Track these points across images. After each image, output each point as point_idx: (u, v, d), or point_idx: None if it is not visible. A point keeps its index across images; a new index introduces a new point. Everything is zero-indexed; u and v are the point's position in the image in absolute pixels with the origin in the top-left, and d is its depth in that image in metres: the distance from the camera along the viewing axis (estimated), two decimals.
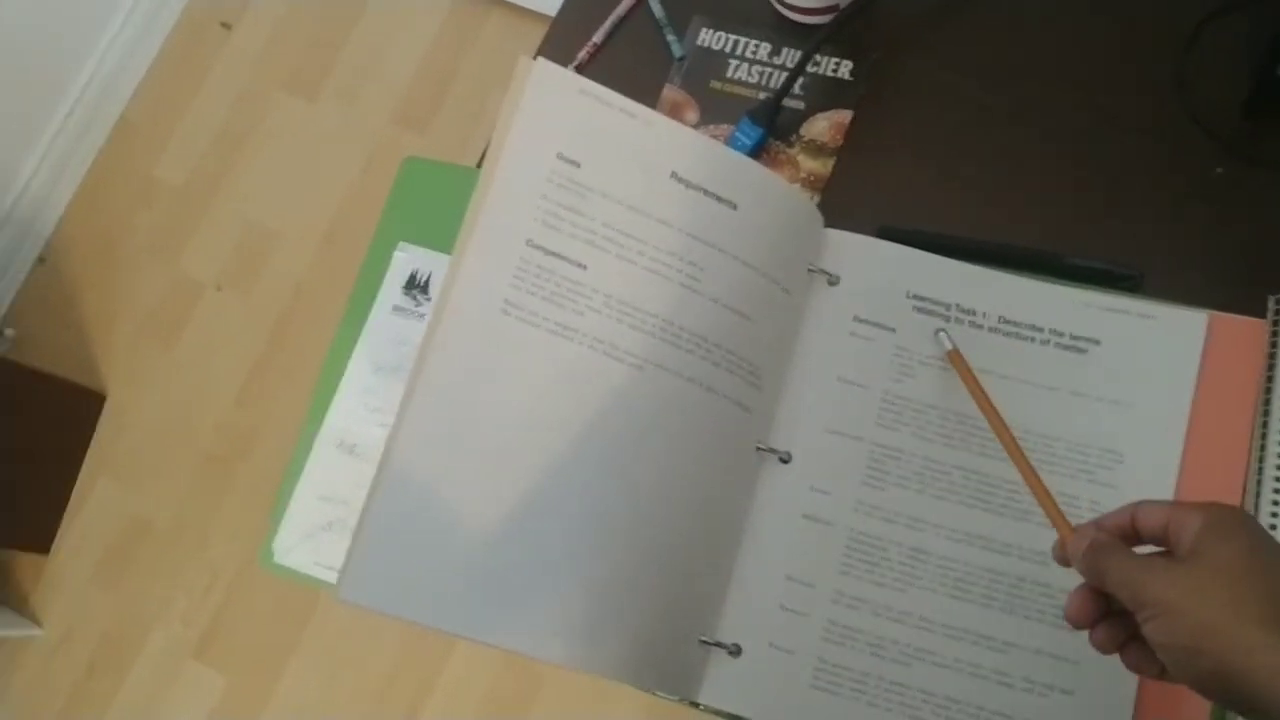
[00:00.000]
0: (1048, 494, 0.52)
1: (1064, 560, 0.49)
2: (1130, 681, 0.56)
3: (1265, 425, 0.58)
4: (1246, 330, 0.61)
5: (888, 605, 0.59)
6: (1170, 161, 0.66)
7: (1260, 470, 0.58)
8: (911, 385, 0.62)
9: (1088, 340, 0.62)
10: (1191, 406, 0.59)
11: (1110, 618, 0.47)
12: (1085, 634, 0.57)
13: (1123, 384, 0.61)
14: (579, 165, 0.58)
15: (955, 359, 0.60)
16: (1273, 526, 0.56)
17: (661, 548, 0.57)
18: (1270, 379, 0.59)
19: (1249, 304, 0.61)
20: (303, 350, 1.67)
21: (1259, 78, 0.63)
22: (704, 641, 0.58)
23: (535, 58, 0.59)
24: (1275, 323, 0.60)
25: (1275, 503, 0.57)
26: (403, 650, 1.54)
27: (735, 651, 0.59)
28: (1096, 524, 0.48)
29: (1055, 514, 0.51)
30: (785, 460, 0.61)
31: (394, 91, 1.77)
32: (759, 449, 0.61)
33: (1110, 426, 0.60)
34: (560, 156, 0.58)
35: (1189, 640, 0.41)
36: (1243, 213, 0.64)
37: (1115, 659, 0.56)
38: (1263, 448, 0.58)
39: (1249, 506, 0.58)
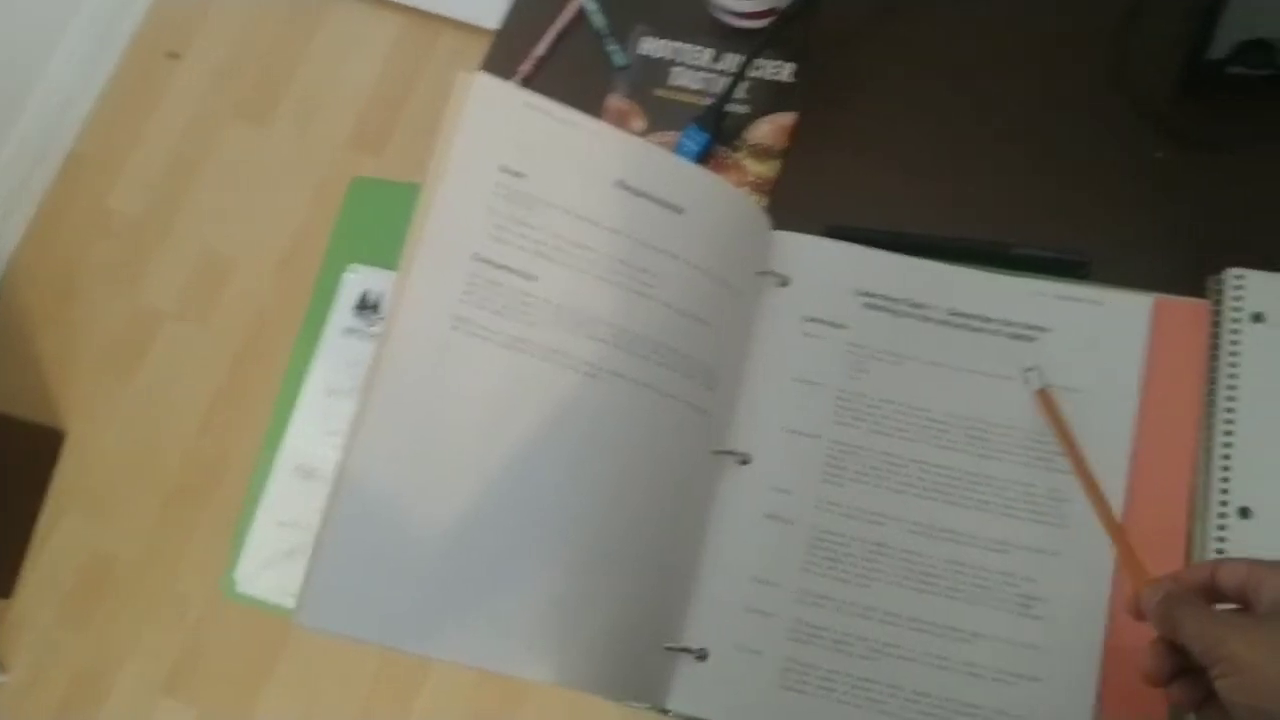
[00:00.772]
0: (1127, 543, 0.52)
1: (1138, 613, 0.49)
2: (1094, 666, 0.56)
3: (1212, 403, 0.59)
4: (1191, 312, 0.61)
5: (852, 601, 0.59)
6: (1111, 147, 0.67)
7: (1209, 448, 0.59)
8: (866, 381, 0.63)
9: (1037, 328, 0.62)
10: (1140, 388, 0.60)
11: (1187, 674, 0.46)
12: (1049, 620, 0.58)
13: (1073, 370, 0.61)
14: (524, 176, 0.58)
15: (1044, 398, 0.60)
16: (1222, 502, 0.57)
17: (623, 556, 0.57)
18: (1215, 358, 0.60)
19: (1193, 286, 0.62)
20: (266, 377, 1.66)
21: (1191, 61, 0.64)
22: (670, 647, 0.58)
23: (479, 72, 0.59)
24: (1217, 303, 0.61)
25: (1224, 479, 0.57)
26: (379, 672, 1.53)
27: (702, 656, 0.59)
28: (1174, 577, 0.48)
29: (1132, 563, 0.51)
30: (744, 462, 0.62)
31: (347, 114, 1.77)
32: (717, 452, 0.61)
33: (1064, 412, 0.61)
34: (504, 169, 0.58)
35: (1263, 701, 0.40)
36: (1183, 195, 0.65)
37: (1080, 645, 0.57)
38: (1211, 425, 0.59)
39: (1199, 483, 0.58)
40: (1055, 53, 0.70)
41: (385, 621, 0.54)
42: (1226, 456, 0.58)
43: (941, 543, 0.60)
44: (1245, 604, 0.44)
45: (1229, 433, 0.58)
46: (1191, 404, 0.60)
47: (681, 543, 0.60)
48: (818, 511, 0.61)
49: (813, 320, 0.64)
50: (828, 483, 0.61)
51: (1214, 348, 0.60)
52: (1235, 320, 0.60)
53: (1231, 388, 0.59)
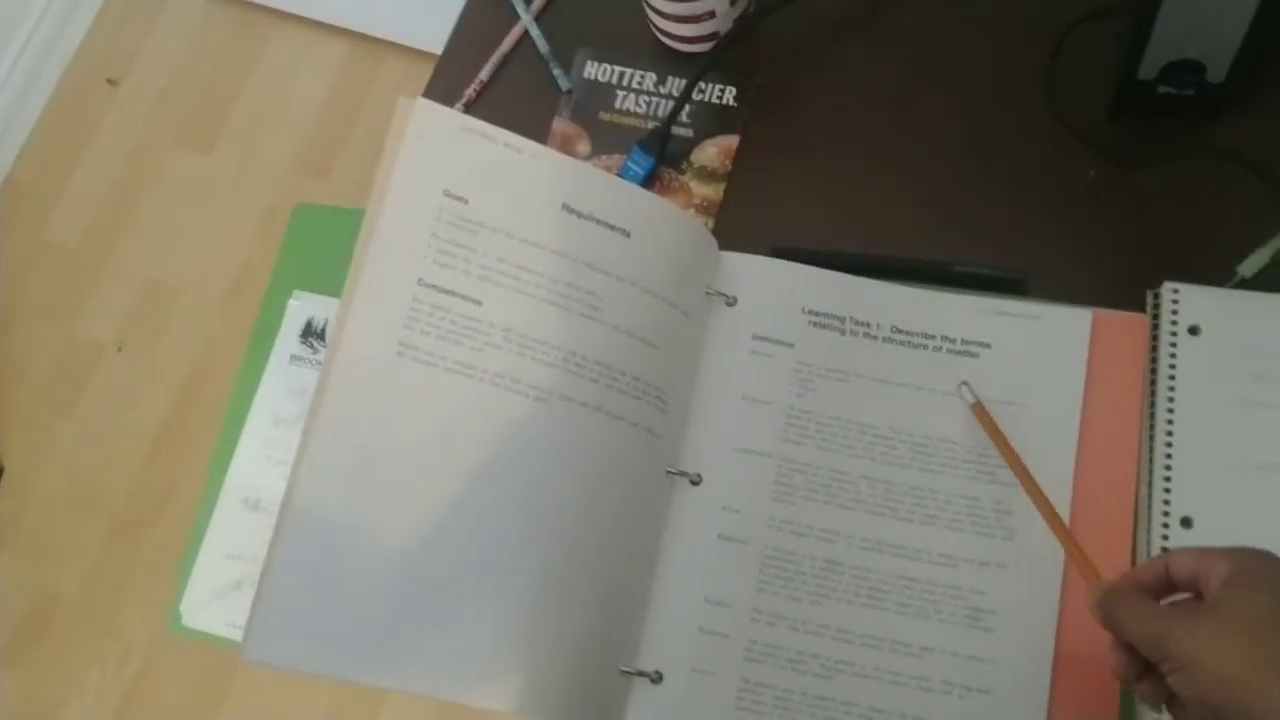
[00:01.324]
0: (1075, 542, 0.53)
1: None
2: (1045, 677, 0.57)
3: (1153, 414, 0.60)
4: (1129, 326, 0.63)
5: (805, 619, 0.59)
6: (1046, 166, 0.68)
7: (1151, 458, 0.60)
8: (813, 399, 0.63)
9: (978, 344, 0.63)
10: (1082, 401, 0.61)
11: (1153, 670, 0.45)
12: (998, 633, 0.58)
13: (1015, 385, 0.62)
14: (467, 202, 0.58)
15: (979, 412, 0.61)
16: (1165, 512, 0.58)
17: (576, 580, 0.57)
18: (1154, 371, 0.61)
19: (1130, 301, 0.63)
20: (212, 407, 1.63)
21: (1122, 80, 0.65)
22: (625, 671, 0.58)
23: (419, 98, 0.59)
24: (1155, 317, 0.62)
25: (1166, 490, 0.59)
26: (332, 704, 1.50)
27: (657, 679, 0.59)
28: (1130, 575, 0.48)
29: (1082, 561, 0.51)
30: (696, 482, 0.62)
31: (293, 139, 1.75)
32: (669, 473, 0.61)
33: (1006, 426, 0.61)
34: (447, 194, 0.58)
35: (1213, 695, 0.40)
36: (1117, 212, 0.67)
37: (1030, 656, 0.57)
38: (1152, 436, 0.60)
39: (1141, 493, 0.59)
40: (991, 75, 0.71)
41: (334, 653, 0.53)
42: (1168, 468, 0.59)
43: (891, 558, 0.60)
44: (1198, 594, 0.44)
45: (1169, 444, 0.59)
46: (1132, 416, 0.61)
47: (635, 565, 0.60)
48: (769, 530, 0.61)
49: (761, 339, 0.64)
50: (778, 501, 0.61)
51: (1153, 361, 0.61)
52: (1172, 334, 0.61)
53: (1170, 400, 0.60)
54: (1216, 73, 0.63)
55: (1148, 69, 0.64)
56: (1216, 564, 0.43)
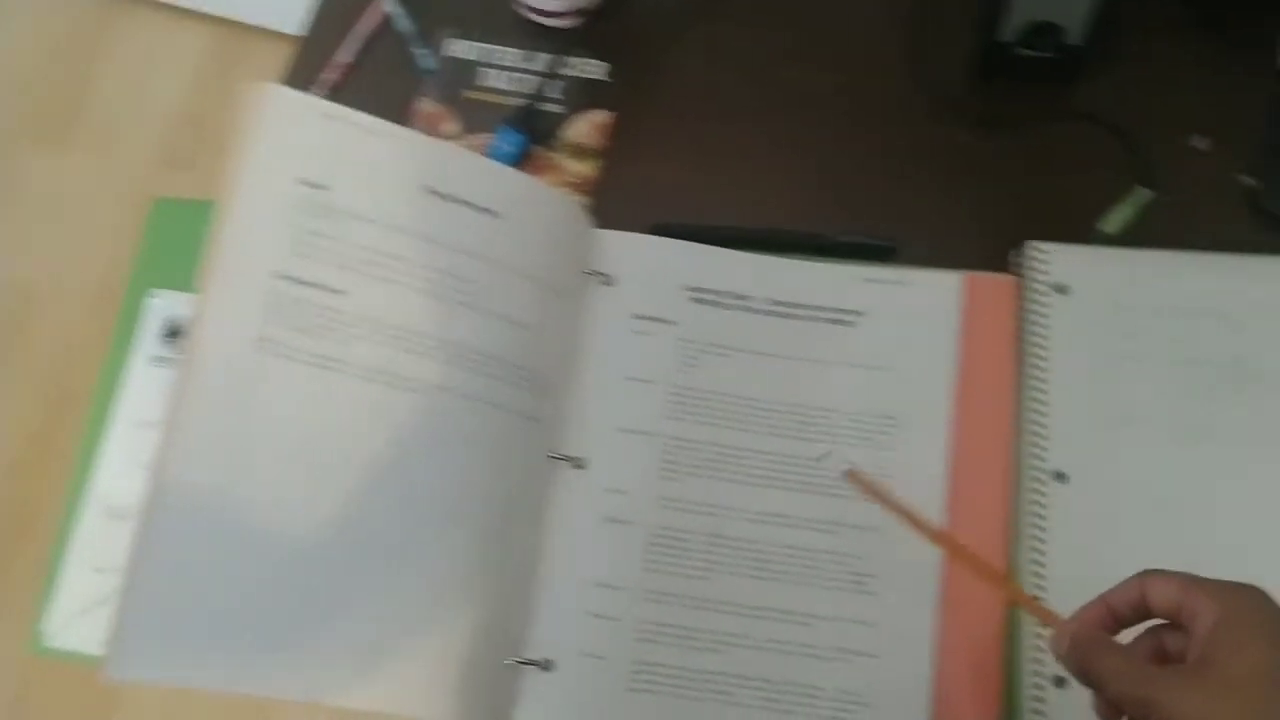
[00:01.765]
0: (1019, 592, 0.50)
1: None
2: (928, 635, 0.58)
3: (1023, 373, 0.62)
4: (998, 287, 0.64)
5: (694, 595, 0.59)
6: (913, 133, 0.69)
7: (1024, 416, 0.61)
8: (696, 375, 0.63)
9: (853, 313, 0.64)
10: (956, 364, 0.62)
11: None
12: (881, 596, 0.59)
13: (890, 351, 0.63)
14: (326, 188, 0.56)
15: (854, 478, 0.59)
16: (1039, 468, 0.59)
17: (459, 573, 0.56)
18: (1023, 330, 0.62)
19: (1000, 262, 0.65)
20: (77, 414, 1.56)
21: (984, 44, 0.66)
22: (514, 662, 0.57)
23: (269, 83, 0.56)
24: (1023, 276, 0.63)
25: (1039, 446, 0.60)
26: (223, 715, 1.45)
27: (548, 667, 0.58)
28: (1104, 599, 0.44)
29: (1036, 609, 0.47)
30: (580, 466, 0.61)
31: (154, 132, 1.68)
32: (552, 458, 0.60)
33: (883, 393, 0.62)
34: (304, 181, 0.55)
35: None
36: (984, 175, 0.68)
37: (912, 616, 0.58)
38: (1023, 394, 0.61)
39: (1016, 451, 0.61)
40: (854, 44, 0.72)
41: (204, 664, 0.51)
42: (1040, 424, 0.60)
43: (775, 528, 0.60)
44: (1179, 625, 0.41)
45: (1041, 401, 0.61)
46: (1004, 375, 0.62)
47: (520, 554, 0.58)
48: (655, 509, 0.60)
49: (641, 318, 0.64)
50: (664, 479, 0.61)
51: (1022, 320, 0.63)
52: (1041, 292, 0.62)
53: (1041, 358, 0.61)
54: (1074, 34, 0.64)
55: (1008, 31, 0.65)
56: (1204, 604, 0.39)
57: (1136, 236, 0.64)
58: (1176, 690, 0.38)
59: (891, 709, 0.57)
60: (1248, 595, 0.40)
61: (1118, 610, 0.43)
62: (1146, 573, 0.43)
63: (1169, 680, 0.39)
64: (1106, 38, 0.66)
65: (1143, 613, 0.43)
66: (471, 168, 0.59)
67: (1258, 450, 0.59)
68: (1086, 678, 0.42)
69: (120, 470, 0.68)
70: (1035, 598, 0.49)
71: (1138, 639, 0.44)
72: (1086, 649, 0.42)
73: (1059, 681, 0.56)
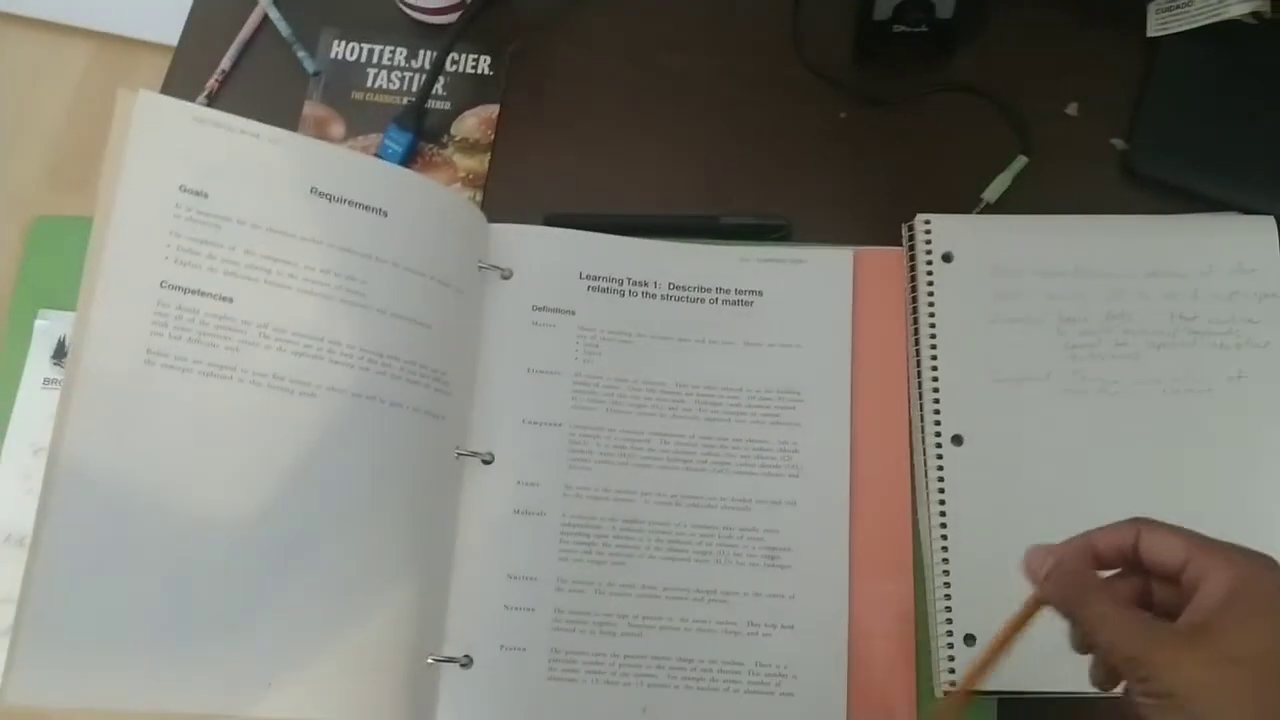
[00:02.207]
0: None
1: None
2: (843, 603, 0.59)
3: (917, 341, 0.63)
4: (889, 259, 0.65)
5: (610, 581, 0.59)
6: (799, 113, 0.70)
7: (920, 383, 0.62)
8: (599, 363, 0.63)
9: (751, 292, 0.65)
10: (852, 336, 0.63)
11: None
12: (795, 569, 0.60)
13: (789, 328, 0.64)
14: (206, 195, 0.55)
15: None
16: (937, 432, 0.61)
17: (368, 575, 0.55)
18: (914, 300, 0.64)
19: (891, 235, 0.66)
20: None
21: (861, 24, 0.68)
22: (433, 660, 0.57)
23: (140, 90, 0.55)
24: (911, 248, 0.65)
25: (935, 411, 0.61)
26: None
27: (467, 663, 0.58)
28: (1089, 538, 0.40)
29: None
30: (488, 461, 0.61)
31: (39, 152, 1.62)
32: (459, 454, 0.60)
33: (785, 369, 0.63)
34: (183, 189, 0.54)
35: None
36: (869, 151, 0.69)
37: (826, 587, 0.59)
38: (918, 361, 0.63)
39: (914, 416, 0.62)
40: (735, 28, 0.73)
41: (108, 684, 0.50)
42: (935, 390, 0.62)
43: (687, 509, 0.61)
44: (1177, 584, 0.38)
45: (934, 367, 0.62)
46: (898, 345, 0.64)
47: (431, 553, 0.58)
48: (566, 499, 0.61)
49: (540, 309, 0.64)
50: (573, 468, 0.61)
51: (912, 290, 0.64)
52: (928, 262, 0.64)
53: (932, 325, 0.63)
54: (944, 8, 0.66)
55: (882, 9, 0.66)
56: (1215, 570, 0.36)
57: (1017, 202, 0.66)
58: (1174, 654, 0.35)
59: (811, 677, 0.58)
60: (1263, 566, 0.37)
61: (1102, 553, 0.40)
62: (1142, 521, 0.39)
63: (1165, 640, 0.35)
64: (979, 11, 0.68)
65: (1130, 561, 0.40)
66: (357, 167, 0.59)
67: (1137, 398, 0.61)
68: (1069, 614, 0.39)
69: (17, 497, 0.66)
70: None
71: (1120, 579, 0.41)
72: (1074, 584, 0.39)
73: (969, 639, 0.57)
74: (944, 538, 0.59)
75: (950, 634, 0.58)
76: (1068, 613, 0.39)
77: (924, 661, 0.58)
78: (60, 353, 0.68)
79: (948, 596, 0.58)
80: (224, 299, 0.54)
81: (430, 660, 0.57)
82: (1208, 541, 0.38)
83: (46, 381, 0.68)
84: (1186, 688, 0.34)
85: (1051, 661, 0.56)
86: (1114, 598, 0.38)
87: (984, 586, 0.58)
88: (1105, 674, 0.40)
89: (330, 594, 0.54)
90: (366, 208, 0.58)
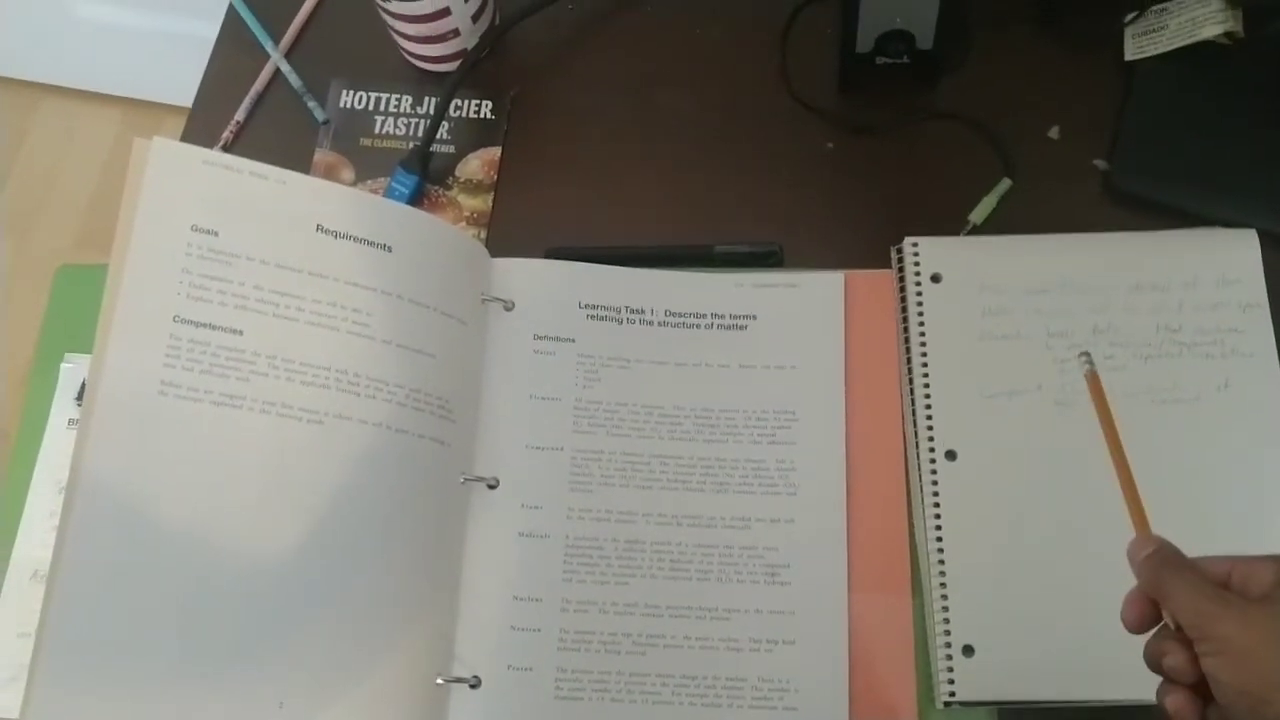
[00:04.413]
0: (1137, 496, 0.47)
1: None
2: (842, 618, 0.60)
3: (909, 360, 0.65)
4: (878, 281, 0.67)
5: (613, 601, 0.61)
6: (789, 144, 0.72)
7: (913, 400, 0.64)
8: (599, 388, 0.65)
9: (745, 317, 0.67)
10: (844, 356, 0.65)
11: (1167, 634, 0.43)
12: (795, 585, 0.61)
13: (783, 350, 0.66)
14: (217, 234, 0.57)
15: (1093, 381, 0.51)
16: (930, 448, 0.62)
17: (378, 599, 0.57)
18: (905, 320, 0.65)
19: (881, 258, 0.68)
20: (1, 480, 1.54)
21: (845, 57, 0.70)
22: (442, 681, 0.58)
23: (155, 137, 0.58)
24: (900, 270, 0.67)
25: (929, 427, 0.63)
26: None
27: (475, 683, 0.59)
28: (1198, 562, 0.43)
29: (1139, 514, 0.46)
30: (493, 486, 0.63)
31: (72, 215, 1.68)
32: (465, 479, 0.62)
33: (780, 390, 0.65)
34: (195, 228, 0.57)
35: (1258, 688, 0.38)
36: (858, 177, 0.71)
37: (826, 602, 0.60)
38: (910, 379, 0.64)
39: (908, 433, 0.63)
40: (725, 64, 0.75)
41: (122, 711, 0.51)
42: (928, 406, 0.63)
43: (688, 529, 0.62)
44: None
45: (926, 384, 0.63)
46: (890, 364, 0.65)
47: (440, 576, 0.60)
48: (569, 521, 0.62)
49: (541, 338, 0.66)
50: (575, 491, 0.63)
51: (902, 310, 0.66)
52: (917, 283, 0.65)
53: (922, 344, 0.64)
54: (925, 40, 0.68)
55: (864, 42, 0.69)
56: (1261, 567, 0.41)
57: (1003, 224, 0.68)
58: (1242, 610, 0.39)
59: (813, 690, 0.59)
60: None
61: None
62: (1196, 559, 0.43)
63: (1235, 605, 0.40)
64: (959, 42, 0.70)
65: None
66: (361, 205, 0.62)
67: (1127, 409, 0.61)
68: (1155, 584, 0.43)
69: (43, 535, 0.68)
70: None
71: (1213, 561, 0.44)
72: (1164, 561, 0.43)
73: (967, 650, 0.58)
74: (940, 551, 0.60)
75: (949, 645, 0.58)
76: (1152, 584, 0.43)
77: (924, 672, 0.59)
78: (83, 394, 0.71)
79: (945, 608, 0.59)
80: (234, 332, 0.57)
81: (439, 681, 0.58)
82: (1251, 556, 0.42)
83: (71, 422, 0.70)
84: (1253, 639, 0.38)
85: (1052, 671, 0.57)
86: (1197, 573, 0.42)
87: (981, 597, 0.59)
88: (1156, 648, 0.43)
89: (341, 617, 0.56)
90: (371, 243, 0.61)
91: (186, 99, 1.66)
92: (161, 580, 0.54)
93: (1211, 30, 0.68)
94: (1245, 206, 0.66)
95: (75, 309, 0.74)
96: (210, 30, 0.81)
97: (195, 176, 0.58)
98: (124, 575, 0.53)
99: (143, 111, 1.70)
